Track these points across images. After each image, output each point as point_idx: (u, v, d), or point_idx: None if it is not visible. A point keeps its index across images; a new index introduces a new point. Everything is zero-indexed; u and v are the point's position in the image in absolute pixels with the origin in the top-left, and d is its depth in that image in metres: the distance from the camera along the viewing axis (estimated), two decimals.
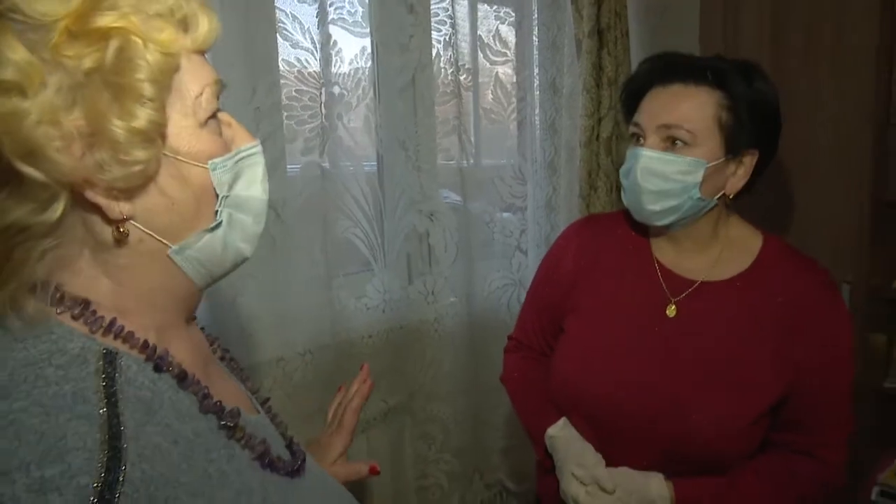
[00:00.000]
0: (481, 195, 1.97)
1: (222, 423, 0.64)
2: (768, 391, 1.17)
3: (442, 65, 1.77)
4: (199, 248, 0.63)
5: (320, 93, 1.53)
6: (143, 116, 0.55)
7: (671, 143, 1.17)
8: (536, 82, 2.05)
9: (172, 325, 0.67)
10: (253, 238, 0.68)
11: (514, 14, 2.00)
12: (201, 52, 0.63)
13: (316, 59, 1.51)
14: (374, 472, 1.03)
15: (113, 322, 0.60)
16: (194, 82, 0.61)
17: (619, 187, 2.13)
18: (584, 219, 1.50)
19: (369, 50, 1.65)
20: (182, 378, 0.63)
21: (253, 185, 0.66)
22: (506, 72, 2.01)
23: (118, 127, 0.54)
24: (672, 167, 1.16)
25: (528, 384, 1.40)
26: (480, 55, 1.93)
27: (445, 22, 1.75)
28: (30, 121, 0.51)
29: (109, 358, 0.57)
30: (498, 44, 1.96)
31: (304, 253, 1.56)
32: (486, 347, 1.99)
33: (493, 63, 1.96)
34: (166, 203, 0.60)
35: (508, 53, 2.00)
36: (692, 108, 1.17)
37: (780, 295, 1.20)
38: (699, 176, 1.16)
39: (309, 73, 1.50)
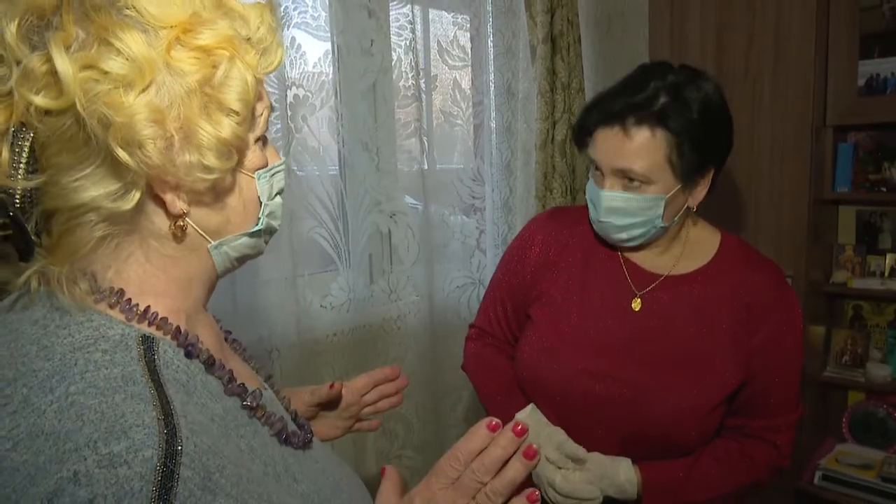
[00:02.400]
0: (441, 196, 2.02)
1: (244, 403, 0.68)
2: (728, 379, 1.23)
3: (403, 69, 1.81)
4: (234, 246, 0.69)
5: (285, 95, 1.55)
6: (228, 129, 0.60)
7: (629, 180, 1.21)
8: (492, 87, 2.10)
9: (198, 309, 0.71)
10: (269, 237, 0.74)
11: (470, 21, 2.05)
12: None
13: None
14: (332, 388, 1.05)
15: (147, 309, 0.63)
16: (259, 104, 0.66)
17: (573, 189, 2.21)
18: (549, 211, 1.54)
19: (332, 54, 1.68)
20: (210, 364, 0.67)
21: (280, 195, 0.73)
22: (463, 76, 2.06)
23: (207, 134, 0.58)
24: (634, 204, 1.22)
25: (491, 370, 1.43)
26: (440, 60, 1.97)
27: (406, 27, 1.79)
28: (140, 116, 0.54)
29: (148, 343, 0.61)
30: (456, 49, 2.01)
31: (270, 252, 1.57)
32: (447, 345, 2.03)
33: (451, 68, 2.01)
34: (219, 205, 0.66)
35: (466, 58, 2.05)
36: (638, 152, 1.19)
37: (737, 287, 1.27)
38: (660, 209, 1.22)
39: (274, 76, 1.52)
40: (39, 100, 0.53)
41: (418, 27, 1.84)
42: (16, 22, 0.53)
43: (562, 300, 1.34)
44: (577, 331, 1.30)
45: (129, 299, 0.62)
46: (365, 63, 1.72)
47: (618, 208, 1.23)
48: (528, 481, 1.29)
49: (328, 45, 1.66)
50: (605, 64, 2.38)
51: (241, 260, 0.72)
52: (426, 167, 1.90)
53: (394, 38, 1.79)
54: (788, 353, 1.26)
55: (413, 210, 1.91)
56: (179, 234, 0.63)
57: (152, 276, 0.64)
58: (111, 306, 0.61)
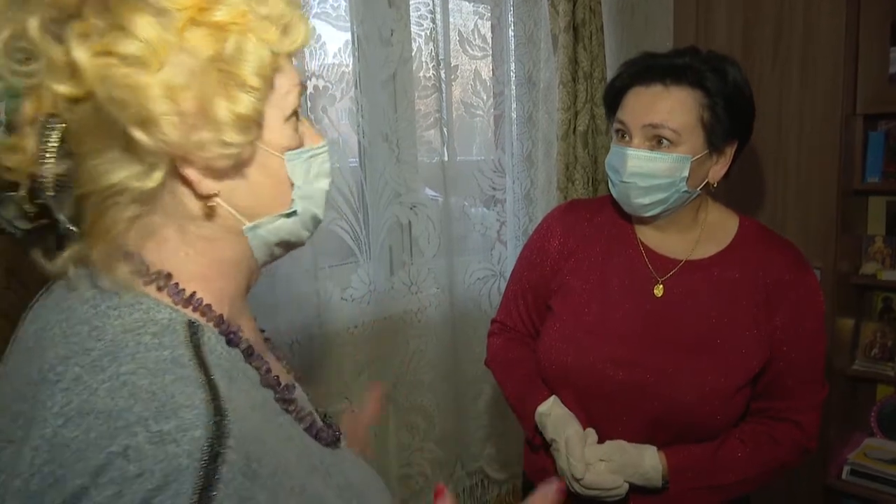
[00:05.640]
0: (462, 188, 2.00)
1: (278, 396, 0.69)
2: (751, 360, 1.24)
3: (423, 59, 1.80)
4: (271, 229, 0.69)
5: (305, 85, 1.54)
6: (246, 103, 0.60)
7: (657, 141, 1.22)
8: (513, 77, 2.08)
9: (240, 298, 0.72)
10: (313, 226, 0.73)
11: (491, 10, 2.03)
12: (292, 56, 0.68)
13: (300, 52, 1.52)
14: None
15: (193, 295, 0.64)
16: (286, 81, 0.66)
17: (595, 179, 2.19)
18: (567, 203, 1.54)
19: (352, 44, 1.67)
20: (249, 353, 0.68)
21: (320, 179, 0.72)
22: (484, 66, 2.04)
23: (224, 110, 0.59)
24: (659, 164, 1.22)
25: (515, 364, 1.43)
26: (460, 50, 1.95)
27: (426, 17, 1.78)
28: (153, 93, 0.55)
29: (194, 329, 0.62)
30: (477, 39, 1.99)
31: None
32: (467, 337, 2.02)
33: (472, 58, 1.99)
34: (248, 185, 0.66)
35: (486, 48, 2.03)
36: (674, 108, 1.22)
37: (756, 270, 1.27)
38: (686, 171, 1.22)
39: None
40: (62, 88, 0.56)
41: (438, 17, 1.82)
42: (37, 17, 0.55)
43: (582, 290, 1.34)
44: (599, 319, 1.31)
45: (177, 283, 0.64)
46: (385, 53, 1.71)
47: (643, 168, 1.23)
48: (553, 473, 1.31)
49: (348, 36, 1.66)
50: (629, 53, 2.32)
51: (282, 246, 0.72)
52: (446, 158, 1.89)
53: (414, 28, 1.78)
54: (809, 332, 1.26)
55: (433, 202, 1.90)
56: (211, 214, 0.64)
57: (194, 261, 0.66)
58: (159, 289, 0.63)
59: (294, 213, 0.70)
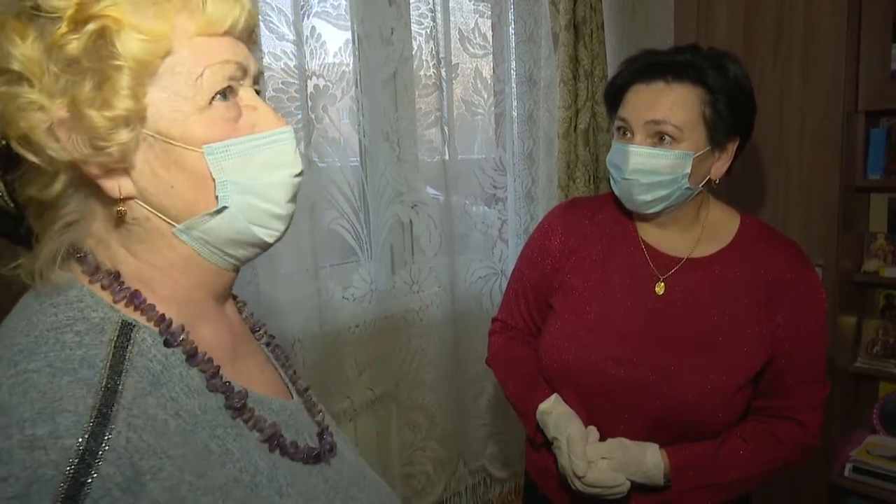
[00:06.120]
0: (463, 186, 2.00)
1: (227, 402, 0.64)
2: (752, 359, 1.23)
3: (423, 58, 1.80)
4: (206, 230, 0.63)
5: (305, 85, 1.54)
6: (118, 105, 0.56)
7: (659, 138, 1.23)
8: (514, 75, 2.08)
9: (199, 301, 0.67)
10: (272, 223, 0.66)
11: (491, 8, 2.03)
12: (218, 34, 0.62)
13: (301, 52, 1.53)
14: None
15: (135, 294, 0.62)
16: (195, 64, 0.59)
17: (596, 177, 2.19)
18: (568, 201, 1.54)
19: (352, 43, 1.67)
20: (192, 355, 0.63)
21: (270, 171, 0.64)
22: (485, 65, 2.04)
23: (93, 115, 0.56)
24: (662, 161, 1.22)
25: (516, 362, 1.43)
26: (461, 48, 1.95)
27: (427, 15, 1.78)
28: (24, 106, 0.55)
29: (125, 329, 0.60)
30: (477, 37, 1.99)
31: (291, 244, 1.58)
32: (469, 336, 2.02)
33: (472, 56, 1.99)
34: (164, 185, 0.61)
35: (487, 47, 2.03)
36: (676, 104, 1.22)
37: (758, 268, 1.27)
38: (688, 167, 1.22)
39: (294, 66, 1.51)
40: None
41: (439, 15, 1.82)
42: None
43: (583, 288, 1.34)
44: (600, 317, 1.30)
45: (122, 282, 0.62)
46: (385, 52, 1.71)
47: (645, 164, 1.23)
48: (555, 471, 1.31)
49: (348, 35, 1.66)
50: (629, 51, 2.32)
51: (239, 246, 0.66)
52: (447, 157, 1.89)
53: (414, 27, 1.78)
54: (811, 331, 1.26)
55: (434, 200, 1.90)
56: (121, 217, 0.61)
57: (134, 263, 0.63)
58: (103, 287, 0.62)
59: (223, 209, 0.62)
